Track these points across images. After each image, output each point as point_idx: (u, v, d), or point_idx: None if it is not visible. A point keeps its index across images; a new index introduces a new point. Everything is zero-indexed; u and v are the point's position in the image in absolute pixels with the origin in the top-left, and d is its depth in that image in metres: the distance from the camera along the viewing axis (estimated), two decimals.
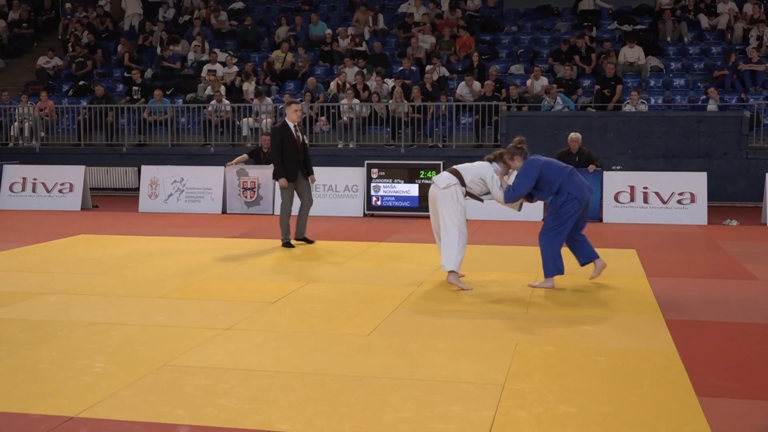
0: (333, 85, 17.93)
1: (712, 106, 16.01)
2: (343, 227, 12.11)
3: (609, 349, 5.52)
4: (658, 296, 7.24)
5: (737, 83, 17.07)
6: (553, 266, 7.51)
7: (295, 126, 10.18)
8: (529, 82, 17.31)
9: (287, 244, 10.18)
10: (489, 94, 16.57)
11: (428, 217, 13.16)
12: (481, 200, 7.90)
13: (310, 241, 10.44)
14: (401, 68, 18.47)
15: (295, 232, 10.42)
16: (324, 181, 13.75)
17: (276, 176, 10.25)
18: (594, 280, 7.86)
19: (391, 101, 16.94)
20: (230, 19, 22.20)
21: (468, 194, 7.73)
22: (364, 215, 13.52)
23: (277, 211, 13.82)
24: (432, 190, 7.86)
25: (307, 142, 10.50)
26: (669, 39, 19.09)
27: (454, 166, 7.90)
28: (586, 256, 7.81)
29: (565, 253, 7.69)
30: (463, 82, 17.28)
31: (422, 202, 13.38)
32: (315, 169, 14.06)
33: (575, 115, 16.12)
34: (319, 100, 17.44)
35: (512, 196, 7.54)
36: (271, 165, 14.01)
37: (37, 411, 4.34)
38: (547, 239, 7.51)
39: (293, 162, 10.15)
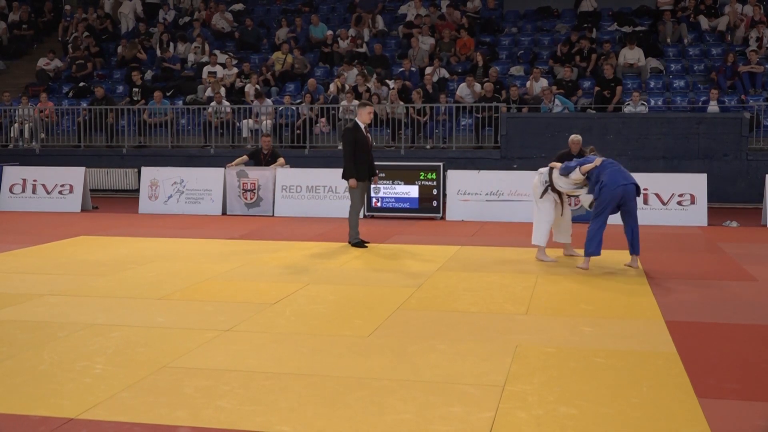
0: (333, 86, 17.94)
1: (712, 108, 16.00)
2: (343, 229, 12.07)
3: (609, 351, 5.52)
4: (658, 297, 7.24)
5: (737, 84, 17.07)
6: (589, 247, 8.48)
7: (365, 127, 10.27)
8: (528, 83, 17.32)
9: (358, 244, 10.23)
10: (489, 95, 16.58)
11: (428, 218, 13.28)
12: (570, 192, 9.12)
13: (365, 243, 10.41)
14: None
15: (350, 236, 10.43)
16: (324, 183, 13.77)
17: (346, 176, 10.20)
18: (594, 282, 7.92)
19: (388, 103, 16.93)
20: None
21: (553, 186, 8.99)
22: (365, 216, 13.51)
23: (278, 213, 13.93)
24: None
25: (373, 143, 10.72)
26: (669, 40, 19.09)
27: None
28: (630, 246, 8.70)
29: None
30: (463, 83, 17.29)
31: (422, 203, 13.41)
32: (315, 170, 14.29)
33: (575, 117, 16.13)
34: (320, 102, 17.45)
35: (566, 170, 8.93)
36: (271, 166, 14.15)
37: (37, 412, 4.34)
38: (591, 224, 8.57)
39: (364, 162, 10.21)
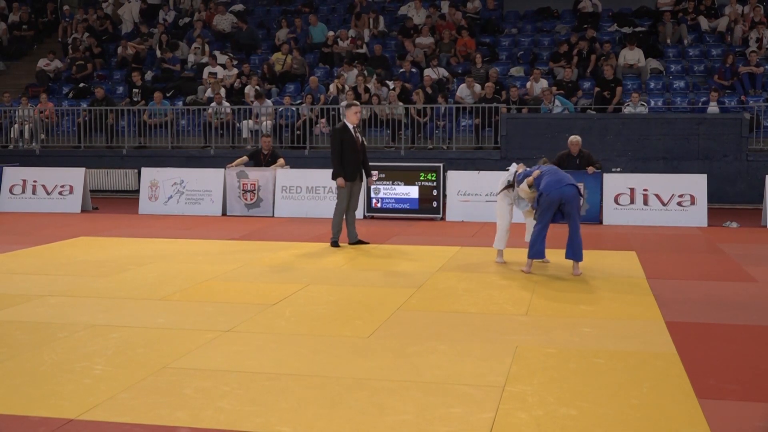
0: (332, 87, 17.94)
1: (712, 108, 16.00)
2: (342, 230, 12.09)
3: (609, 351, 5.52)
4: (658, 298, 7.24)
5: (737, 85, 17.07)
6: (530, 252, 8.52)
7: (354, 127, 10.38)
8: (528, 84, 17.31)
9: (335, 244, 10.34)
10: (489, 96, 16.58)
11: (428, 219, 13.28)
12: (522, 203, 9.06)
13: (364, 242, 10.62)
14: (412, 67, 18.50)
15: (348, 236, 10.54)
16: (324, 184, 13.76)
17: (335, 176, 10.34)
18: (594, 283, 7.92)
19: (387, 104, 16.92)
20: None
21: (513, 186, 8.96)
22: (364, 217, 13.51)
23: (278, 214, 13.93)
24: None
25: (365, 143, 10.88)
26: (669, 41, 19.08)
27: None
28: (567, 253, 8.47)
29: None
30: (463, 84, 17.28)
31: (422, 204, 13.40)
32: (315, 171, 14.28)
33: (575, 117, 16.13)
34: (321, 102, 17.44)
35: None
36: (271, 167, 14.15)
37: (37, 413, 4.34)
38: (533, 229, 8.57)
39: (352, 162, 10.33)
